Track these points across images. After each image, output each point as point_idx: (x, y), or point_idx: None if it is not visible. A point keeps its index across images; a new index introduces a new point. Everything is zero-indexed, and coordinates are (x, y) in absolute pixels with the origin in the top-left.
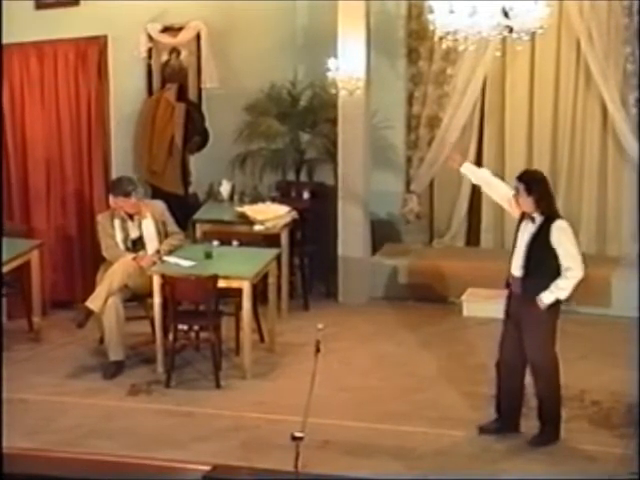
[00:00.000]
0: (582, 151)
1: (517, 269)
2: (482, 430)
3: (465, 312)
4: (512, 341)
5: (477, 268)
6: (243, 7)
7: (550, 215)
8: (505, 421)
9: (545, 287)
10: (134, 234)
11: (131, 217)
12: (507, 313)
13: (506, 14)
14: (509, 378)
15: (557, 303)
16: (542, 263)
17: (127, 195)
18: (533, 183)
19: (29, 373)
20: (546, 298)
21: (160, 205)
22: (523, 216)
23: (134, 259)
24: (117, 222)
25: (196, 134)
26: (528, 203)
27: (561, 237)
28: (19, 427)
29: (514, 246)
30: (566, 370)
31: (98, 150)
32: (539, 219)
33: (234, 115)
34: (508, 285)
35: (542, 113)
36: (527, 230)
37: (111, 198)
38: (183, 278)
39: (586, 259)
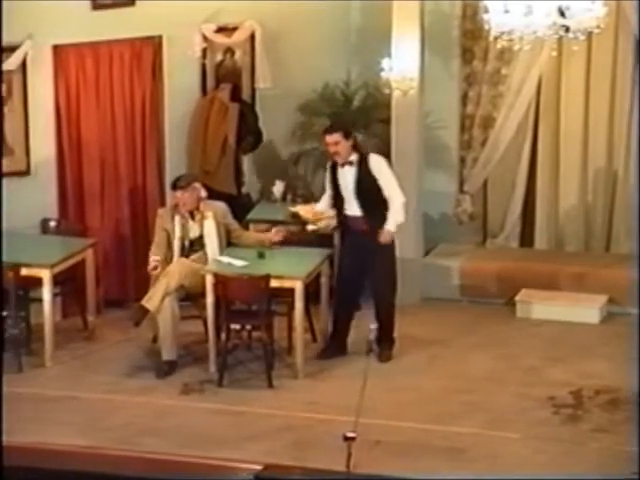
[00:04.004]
0: None
1: (356, 211)
2: (320, 356)
3: (519, 313)
4: (352, 273)
5: (531, 269)
6: (297, 7)
7: (363, 154)
8: (339, 346)
9: (385, 218)
10: (194, 233)
11: (192, 216)
12: (349, 248)
13: (562, 13)
14: (348, 308)
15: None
16: (376, 199)
17: (190, 183)
18: (346, 127)
19: (83, 371)
20: (391, 226)
21: (223, 207)
22: (334, 167)
23: (156, 261)
24: (177, 219)
25: (249, 134)
26: (347, 147)
27: (381, 166)
28: (72, 425)
29: (338, 193)
30: (618, 372)
31: (152, 150)
32: (356, 160)
33: (287, 115)
34: (342, 224)
35: (598, 113)
36: (348, 174)
37: (176, 193)
38: (236, 278)
39: None
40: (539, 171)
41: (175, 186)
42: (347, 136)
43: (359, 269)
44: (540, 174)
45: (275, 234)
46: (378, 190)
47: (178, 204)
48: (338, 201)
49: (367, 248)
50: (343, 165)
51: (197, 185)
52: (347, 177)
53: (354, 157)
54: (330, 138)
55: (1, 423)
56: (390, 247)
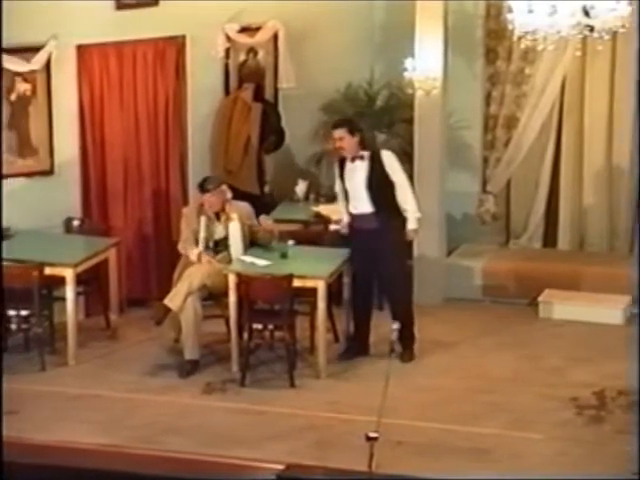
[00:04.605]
0: None
1: (365, 207)
2: (341, 357)
3: (541, 314)
4: (366, 274)
5: (554, 269)
6: (320, 7)
7: (373, 149)
8: (360, 347)
9: (396, 215)
10: (219, 235)
11: (218, 217)
12: (358, 249)
13: (587, 13)
14: (364, 308)
15: (405, 234)
16: (387, 195)
17: (218, 186)
18: (352, 124)
19: (105, 370)
20: (414, 224)
21: (247, 208)
22: (342, 162)
23: (198, 257)
24: (203, 220)
25: (272, 134)
26: (353, 143)
27: (393, 164)
28: (95, 423)
29: (344, 189)
30: None
31: (175, 149)
32: (367, 155)
33: (310, 115)
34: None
35: (622, 114)
36: (358, 169)
37: (204, 195)
38: (258, 277)
39: None
40: (562, 171)
41: (203, 188)
42: (352, 132)
43: (372, 269)
44: (563, 174)
45: (264, 223)
46: (389, 186)
47: (204, 204)
48: (343, 197)
49: (377, 247)
50: (353, 160)
51: (224, 187)
52: (357, 172)
53: (365, 152)
54: (335, 133)
55: (1, 421)
56: (400, 245)
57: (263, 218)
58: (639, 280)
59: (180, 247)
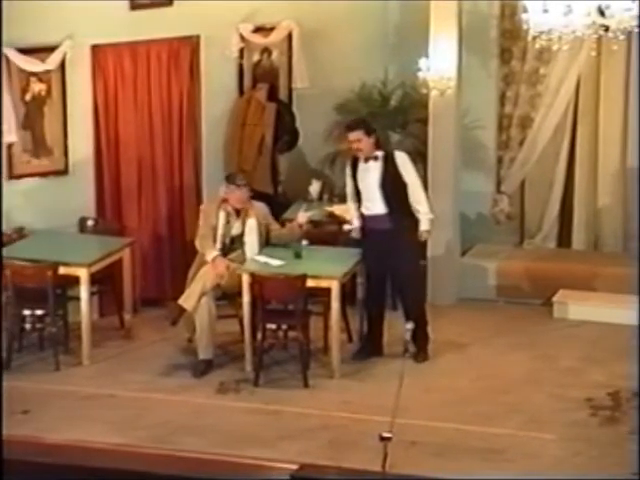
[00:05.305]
0: None
1: (378, 208)
2: (355, 357)
3: (556, 314)
4: (379, 274)
5: (569, 269)
6: (334, 7)
7: (386, 150)
8: (374, 347)
9: (409, 216)
10: (235, 231)
11: (237, 213)
12: (371, 250)
13: (602, 13)
14: (377, 309)
15: (417, 234)
16: (400, 195)
17: (246, 182)
18: (367, 125)
19: (120, 369)
20: (427, 226)
21: (263, 207)
22: (355, 163)
23: (213, 260)
24: (222, 215)
25: (286, 134)
26: (370, 144)
27: (406, 164)
28: (109, 423)
29: (357, 190)
30: None
31: (189, 149)
32: (380, 156)
33: (324, 115)
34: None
35: (638, 114)
36: (372, 170)
37: (229, 189)
38: (272, 277)
39: None
40: (577, 171)
41: (234, 182)
42: (369, 133)
43: (385, 269)
44: (578, 174)
45: (301, 217)
46: (402, 187)
47: (227, 199)
48: (355, 197)
49: (390, 248)
50: (367, 160)
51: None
52: (370, 172)
53: (379, 153)
54: (352, 135)
55: (1, 419)
56: (413, 245)
57: (302, 213)
58: (639, 279)
59: (197, 243)
